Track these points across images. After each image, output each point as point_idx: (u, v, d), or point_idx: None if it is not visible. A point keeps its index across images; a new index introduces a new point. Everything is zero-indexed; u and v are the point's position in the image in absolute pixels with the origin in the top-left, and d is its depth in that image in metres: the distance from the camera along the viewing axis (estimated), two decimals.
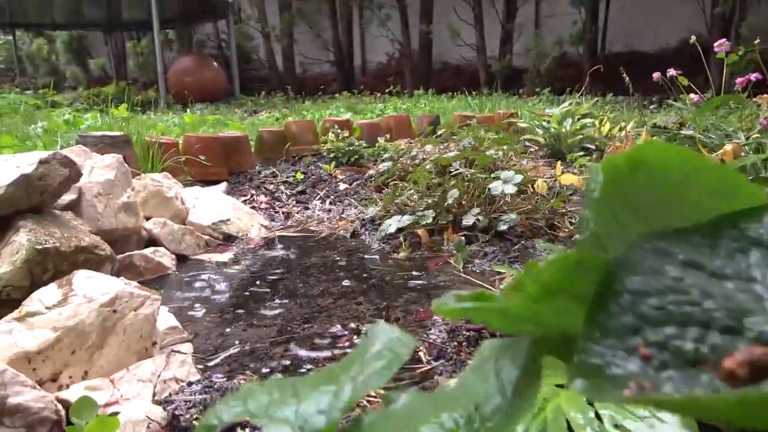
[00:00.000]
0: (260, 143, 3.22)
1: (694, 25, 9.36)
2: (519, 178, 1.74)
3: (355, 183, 2.78)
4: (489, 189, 1.77)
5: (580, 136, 3.72)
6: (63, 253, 1.22)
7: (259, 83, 12.68)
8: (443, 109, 5.74)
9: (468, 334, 1.14)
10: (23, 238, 1.16)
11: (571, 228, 1.96)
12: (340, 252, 1.86)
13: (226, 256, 1.89)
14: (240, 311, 1.42)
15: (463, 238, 1.70)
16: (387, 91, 9.63)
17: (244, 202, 2.54)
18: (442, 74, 11.77)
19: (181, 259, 1.86)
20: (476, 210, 1.79)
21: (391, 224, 1.78)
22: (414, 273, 1.63)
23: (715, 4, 8.24)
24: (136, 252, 1.68)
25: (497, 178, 1.82)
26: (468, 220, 1.76)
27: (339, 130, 3.24)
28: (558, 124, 3.73)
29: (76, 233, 1.33)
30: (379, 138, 3.43)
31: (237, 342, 1.24)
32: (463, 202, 1.89)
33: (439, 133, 2.99)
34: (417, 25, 11.07)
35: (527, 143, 3.87)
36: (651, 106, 5.89)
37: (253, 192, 2.67)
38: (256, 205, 2.50)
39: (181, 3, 10.99)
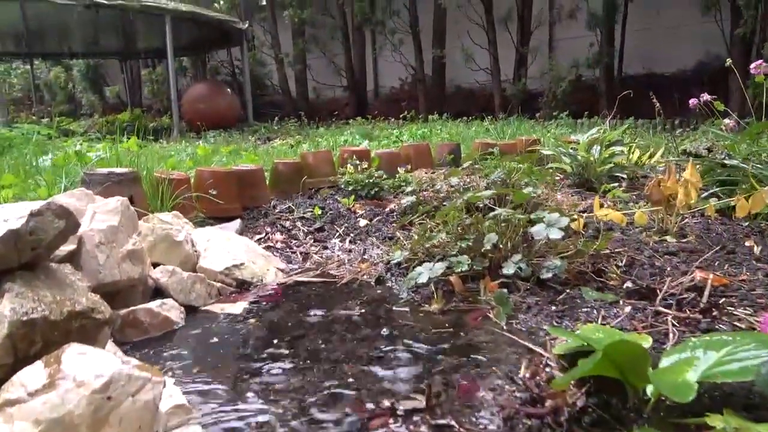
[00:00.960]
0: (276, 176, 3.07)
1: (713, 47, 9.20)
2: (565, 221, 1.57)
3: (376, 219, 2.62)
4: (530, 233, 1.59)
5: (610, 165, 3.54)
6: (54, 323, 1.06)
7: (273, 109, 12.68)
8: (462, 135, 5.60)
9: (530, 423, 0.95)
10: (6, 308, 1.00)
11: (619, 273, 1.77)
12: (366, 303, 1.68)
13: (239, 307, 1.72)
14: (256, 380, 1.24)
15: (504, 290, 1.51)
16: (401, 116, 9.54)
17: (259, 241, 2.39)
18: (456, 98, 11.69)
19: (191, 310, 1.70)
20: (517, 257, 1.62)
21: (422, 273, 1.61)
22: (450, 330, 1.45)
23: (735, 25, 8.08)
24: (140, 307, 1.52)
25: (538, 220, 1.65)
26: (508, 269, 1.58)
27: (357, 161, 3.09)
28: (586, 151, 3.56)
29: (71, 294, 1.17)
30: (399, 169, 3.27)
31: (254, 423, 1.06)
32: (501, 246, 1.71)
33: (463, 165, 2.82)
34: (430, 49, 11.03)
35: (552, 171, 3.69)
36: (677, 131, 5.70)
37: (269, 230, 2.51)
38: (272, 245, 2.34)
39: (196, 31, 11.06)
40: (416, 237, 1.89)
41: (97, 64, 15.91)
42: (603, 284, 1.70)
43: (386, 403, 1.10)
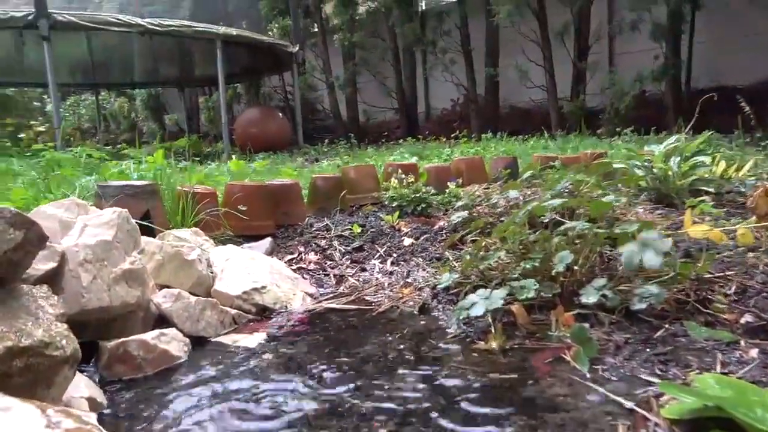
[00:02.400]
0: (314, 192, 2.82)
1: None
2: (667, 244, 1.20)
3: (422, 237, 2.30)
4: (616, 256, 1.24)
5: (692, 177, 3.09)
6: None
7: (324, 133, 12.66)
8: (518, 150, 5.22)
9: None
10: None
11: (729, 303, 1.38)
12: (406, 338, 1.37)
13: (256, 339, 1.44)
14: None
15: (585, 324, 1.16)
16: (452, 136, 9.23)
17: (290, 261, 2.12)
18: (510, 118, 11.28)
19: (199, 342, 1.43)
20: (600, 281, 1.26)
21: (476, 304, 1.28)
22: (513, 377, 1.11)
23: None
24: (133, 338, 1.26)
25: (624, 238, 1.29)
26: (589, 296, 1.23)
27: (403, 175, 2.80)
28: (663, 163, 3.13)
29: (24, 324, 0.92)
30: (449, 183, 2.95)
31: None
32: (576, 268, 1.36)
33: (523, 176, 2.48)
34: (482, 68, 10.72)
35: (622, 187, 3.27)
36: (763, 143, 5.12)
37: (302, 249, 2.24)
38: (304, 266, 2.07)
39: (248, 57, 11.21)
40: (468, 257, 1.56)
41: (157, 93, 16.49)
42: (712, 318, 1.32)
43: None
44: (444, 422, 0.96)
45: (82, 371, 1.19)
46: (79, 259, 1.22)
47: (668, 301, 1.33)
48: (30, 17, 6.48)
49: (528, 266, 1.39)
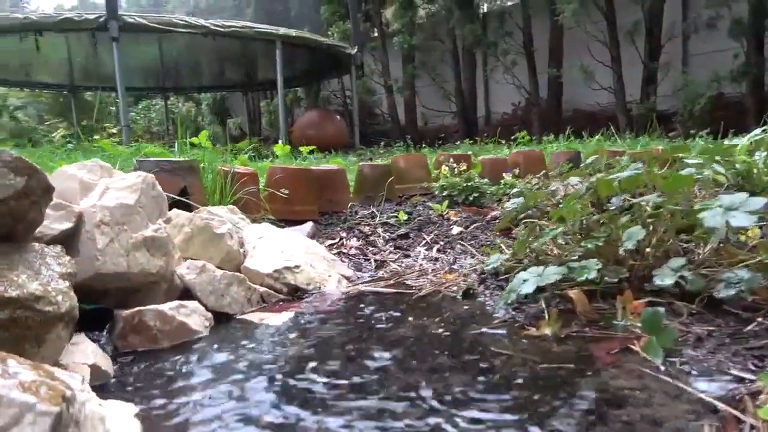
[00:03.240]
0: (361, 180, 2.71)
1: None
2: (759, 201, 1.00)
3: (472, 226, 2.14)
4: (701, 219, 1.04)
5: None
6: None
7: (381, 137, 12.62)
8: (582, 147, 4.94)
9: None
10: None
11: None
12: (446, 322, 1.21)
13: (283, 319, 1.32)
14: None
15: (660, 309, 0.97)
16: (512, 138, 8.94)
17: (331, 247, 2.00)
18: (574, 121, 10.82)
19: (223, 318, 1.33)
20: (679, 261, 1.07)
21: (527, 280, 1.11)
22: (568, 367, 0.94)
23: None
24: (149, 307, 1.17)
25: (706, 207, 1.09)
26: (664, 278, 1.03)
27: (455, 164, 2.64)
28: (747, 156, 2.82)
29: (12, 278, 0.84)
30: (504, 175, 2.77)
31: None
32: (648, 251, 1.17)
33: (587, 161, 2.27)
34: (545, 70, 10.37)
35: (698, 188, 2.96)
36: None
37: (344, 235, 2.13)
38: (345, 251, 1.95)
39: (308, 60, 11.33)
40: (520, 239, 1.39)
41: (222, 98, 17.02)
42: None
43: None
44: (481, 414, 0.80)
45: (95, 340, 1.11)
46: (95, 220, 1.14)
47: (760, 290, 1.12)
48: (101, 19, 6.76)
49: (590, 246, 1.21)
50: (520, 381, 0.90)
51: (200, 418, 0.84)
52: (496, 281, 1.41)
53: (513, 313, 1.20)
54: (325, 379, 0.96)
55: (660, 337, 0.92)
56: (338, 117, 11.49)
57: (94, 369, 0.98)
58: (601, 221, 1.30)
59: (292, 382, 0.96)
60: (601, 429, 0.74)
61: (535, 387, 0.87)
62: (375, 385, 0.92)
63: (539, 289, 1.14)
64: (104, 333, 1.14)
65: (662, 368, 0.89)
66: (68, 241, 1.14)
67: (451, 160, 2.69)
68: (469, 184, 2.46)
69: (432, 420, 0.79)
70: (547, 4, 9.78)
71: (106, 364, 1.03)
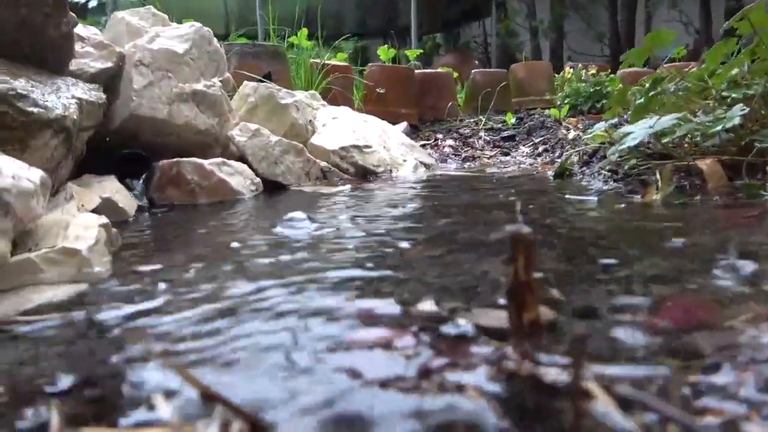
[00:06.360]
0: (472, 88, 2.44)
1: None
2: None
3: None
4: None
5: None
6: None
7: None
8: None
9: None
10: None
11: None
12: (524, 192, 0.97)
13: (339, 189, 1.16)
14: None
15: None
16: None
17: (424, 146, 1.80)
18: None
19: (275, 187, 1.20)
20: None
21: (634, 132, 0.82)
22: (675, 224, 0.66)
23: None
24: (189, 159, 1.07)
25: None
26: None
27: (583, 69, 2.26)
28: None
29: (9, 79, 0.76)
30: None
31: None
32: None
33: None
34: (720, 4, 8.88)
35: None
36: None
37: (440, 136, 1.90)
38: (437, 147, 1.73)
39: (445, 8, 10.89)
40: (640, 102, 1.07)
41: (363, 47, 17.18)
42: None
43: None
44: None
45: (130, 189, 1.03)
46: (133, 59, 1.06)
47: None
48: None
49: (737, 95, 0.87)
50: (602, 237, 0.64)
51: (191, 253, 0.71)
52: (598, 159, 1.11)
53: (613, 184, 0.92)
54: (354, 239, 0.78)
55: None
56: (476, 62, 11.00)
57: (107, 203, 0.89)
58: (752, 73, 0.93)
59: (318, 236, 0.79)
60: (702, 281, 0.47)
61: (622, 240, 0.61)
62: (418, 246, 0.72)
63: (648, 155, 0.84)
64: (140, 182, 1.07)
65: None
66: (111, 82, 1.07)
67: (580, 65, 2.30)
68: (598, 88, 2.08)
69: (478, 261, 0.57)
70: None
71: (128, 205, 0.94)
